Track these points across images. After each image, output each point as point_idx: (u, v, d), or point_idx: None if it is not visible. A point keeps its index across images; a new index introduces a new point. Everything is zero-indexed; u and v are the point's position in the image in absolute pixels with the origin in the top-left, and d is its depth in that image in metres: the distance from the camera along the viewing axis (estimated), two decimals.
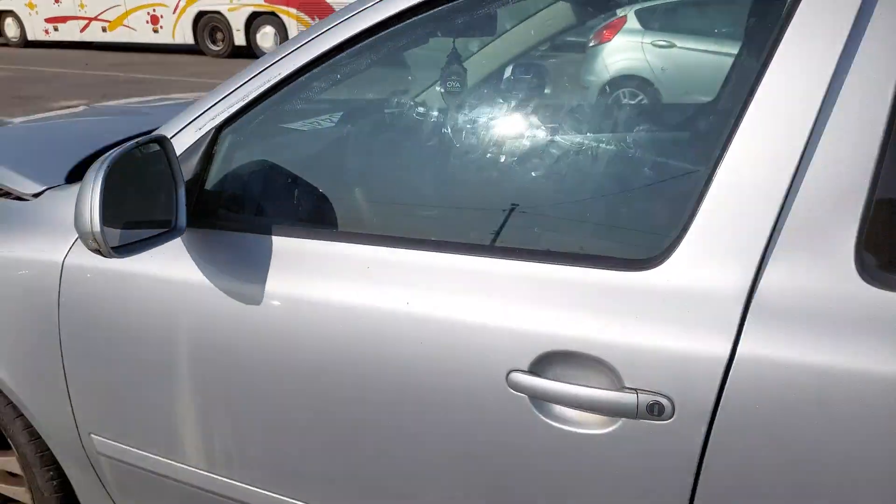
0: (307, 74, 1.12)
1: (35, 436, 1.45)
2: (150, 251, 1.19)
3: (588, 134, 1.17)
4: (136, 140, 1.07)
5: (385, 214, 1.10)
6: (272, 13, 12.87)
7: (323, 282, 1.05)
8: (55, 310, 1.28)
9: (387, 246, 1.03)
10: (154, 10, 13.79)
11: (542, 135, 1.21)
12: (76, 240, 1.27)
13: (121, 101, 2.56)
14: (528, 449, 0.92)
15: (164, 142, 1.10)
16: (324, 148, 1.18)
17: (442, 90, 1.59)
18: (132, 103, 2.46)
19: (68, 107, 2.22)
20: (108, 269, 1.22)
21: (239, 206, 1.18)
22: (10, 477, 1.60)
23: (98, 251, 1.01)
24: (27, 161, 1.59)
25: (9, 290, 1.33)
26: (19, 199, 1.47)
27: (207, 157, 1.17)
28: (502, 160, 1.18)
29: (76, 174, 1.54)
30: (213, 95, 1.19)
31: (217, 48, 13.65)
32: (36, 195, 1.42)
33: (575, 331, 0.88)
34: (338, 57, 1.10)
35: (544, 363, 0.90)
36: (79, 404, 1.32)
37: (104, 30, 14.42)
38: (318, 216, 1.14)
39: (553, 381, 0.89)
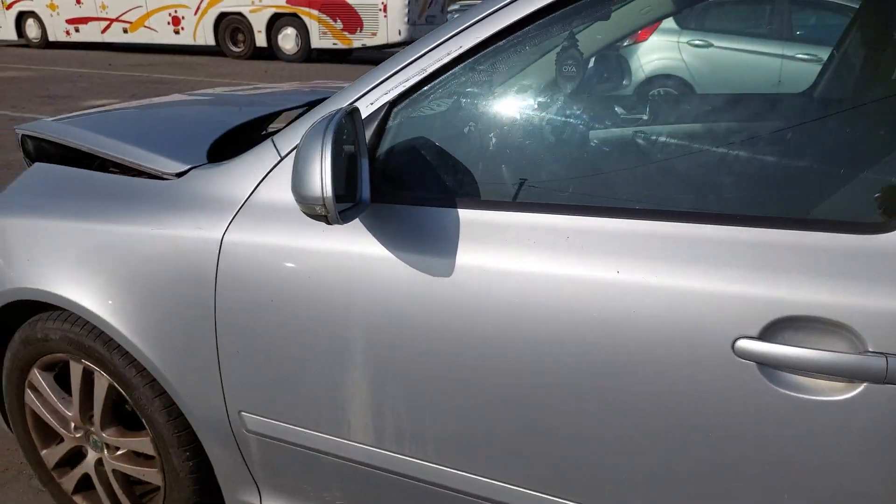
0: (491, 48, 1.11)
1: (174, 415, 1.45)
2: (313, 225, 1.19)
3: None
4: (341, 109, 1.06)
5: (582, 184, 1.08)
6: (294, 14, 12.92)
7: (514, 252, 1.04)
8: (211, 286, 1.27)
9: (588, 215, 1.01)
10: (175, 12, 13.85)
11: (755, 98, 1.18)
12: (235, 215, 1.26)
13: (207, 90, 2.55)
14: (756, 417, 0.90)
15: (354, 113, 1.09)
16: (497, 122, 1.16)
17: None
18: (223, 92, 2.46)
19: (101, 105, 2.21)
20: (272, 244, 1.21)
21: (416, 181, 1.17)
22: (142, 458, 1.59)
23: (320, 217, 1.01)
24: (154, 142, 1.59)
25: (159, 267, 1.32)
26: (154, 178, 1.46)
27: (379, 132, 1.17)
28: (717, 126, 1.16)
29: (214, 155, 1.53)
30: (384, 70, 1.18)
31: (238, 49, 13.70)
32: (179, 174, 1.41)
33: (812, 295, 0.87)
34: (526, 29, 1.09)
35: (776, 329, 0.89)
36: (231, 382, 1.32)
37: (125, 31, 14.50)
38: (499, 188, 1.13)
39: (788, 347, 0.87)
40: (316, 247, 1.18)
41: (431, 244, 1.10)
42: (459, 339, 1.07)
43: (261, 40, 13.30)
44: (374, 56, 14.56)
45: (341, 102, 1.21)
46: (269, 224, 1.23)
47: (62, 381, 1.65)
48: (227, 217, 1.27)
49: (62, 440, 1.71)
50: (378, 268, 1.13)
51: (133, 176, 1.56)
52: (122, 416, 1.62)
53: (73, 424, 1.65)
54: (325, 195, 0.97)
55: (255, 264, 1.23)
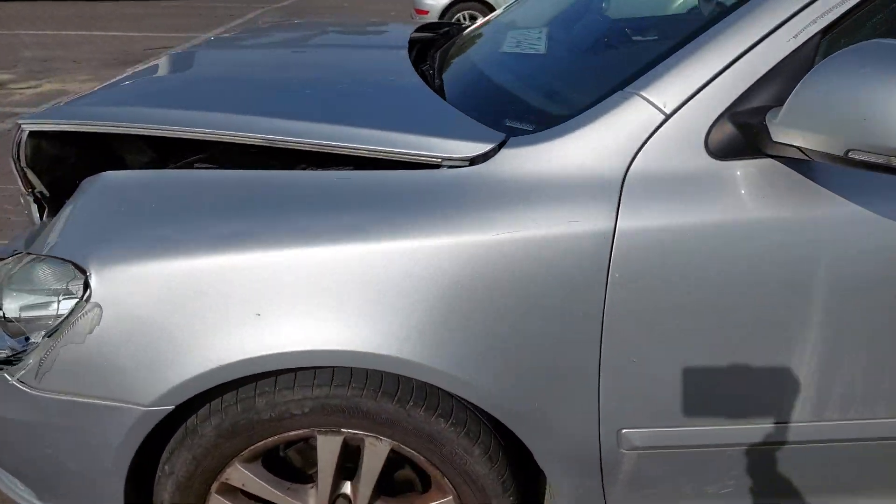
0: None
1: (495, 459, 1.16)
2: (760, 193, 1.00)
3: None
4: None
5: None
6: None
7: None
8: (601, 290, 1.01)
9: None
10: None
11: None
12: (620, 197, 1.00)
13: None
14: None
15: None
16: None
17: None
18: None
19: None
20: (686, 224, 1.00)
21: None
22: None
23: None
24: (359, 116, 1.18)
25: (501, 280, 1.01)
26: (421, 167, 1.09)
27: (805, 70, 0.99)
28: None
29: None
30: None
31: None
32: (477, 159, 1.06)
33: None
34: None
35: None
36: (612, 398, 1.08)
37: None
38: None
39: None
40: (751, 217, 1.00)
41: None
42: None
43: None
44: None
45: (741, 40, 0.99)
46: (672, 201, 1.00)
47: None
48: (608, 201, 1.00)
49: None
50: (847, 231, 1.00)
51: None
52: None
53: None
54: None
55: (665, 252, 1.00)
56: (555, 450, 1.13)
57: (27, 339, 1.08)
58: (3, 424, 1.15)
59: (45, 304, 1.07)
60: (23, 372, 1.09)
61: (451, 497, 1.20)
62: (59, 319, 1.06)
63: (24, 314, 1.09)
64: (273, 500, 1.20)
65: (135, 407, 1.05)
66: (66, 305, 1.05)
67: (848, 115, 0.84)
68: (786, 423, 1.11)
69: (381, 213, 1.03)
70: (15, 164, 1.29)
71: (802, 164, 0.99)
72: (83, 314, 1.03)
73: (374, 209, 1.03)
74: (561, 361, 1.05)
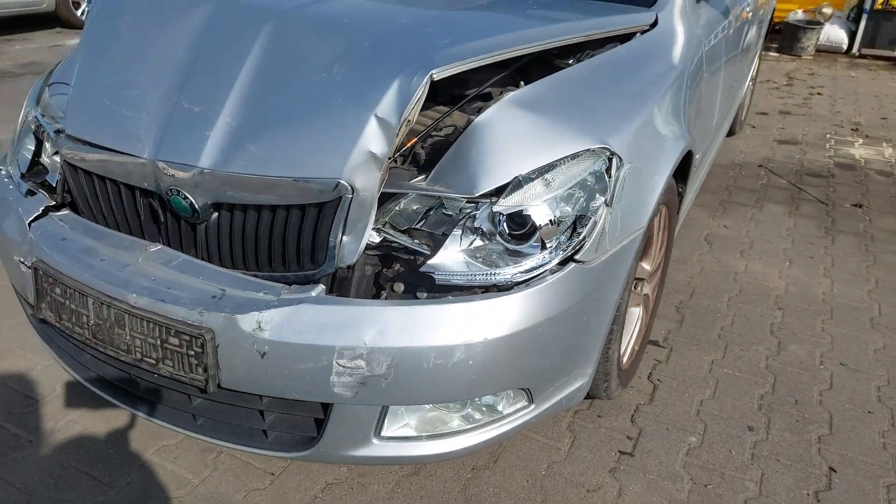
0: None
1: None
2: None
3: None
4: None
5: None
6: None
7: None
8: None
9: None
10: None
11: None
12: None
13: None
14: None
15: None
16: None
17: None
18: None
19: None
20: None
21: None
22: None
23: None
24: None
25: None
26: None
27: None
28: None
29: None
30: None
31: None
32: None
33: None
34: None
35: None
36: None
37: None
38: None
39: None
40: None
41: None
42: None
43: None
44: None
45: None
46: None
47: None
48: None
49: None
50: None
51: None
52: None
53: None
54: None
55: None
56: None
57: (543, 245, 1.31)
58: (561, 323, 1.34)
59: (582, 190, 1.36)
60: (582, 251, 1.33)
61: None
62: (608, 191, 1.36)
63: (567, 209, 1.34)
64: None
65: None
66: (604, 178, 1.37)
67: None
68: None
69: None
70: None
71: None
72: (619, 178, 1.38)
73: None
74: None
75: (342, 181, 1.24)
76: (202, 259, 1.38)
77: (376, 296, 1.30)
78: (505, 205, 1.30)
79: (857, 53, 7.11)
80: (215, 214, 1.35)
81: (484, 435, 1.40)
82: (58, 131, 1.56)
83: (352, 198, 1.25)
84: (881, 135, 4.55)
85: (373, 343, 1.20)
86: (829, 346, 2.23)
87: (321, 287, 1.26)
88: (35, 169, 1.71)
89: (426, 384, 1.25)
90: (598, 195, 1.36)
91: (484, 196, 1.31)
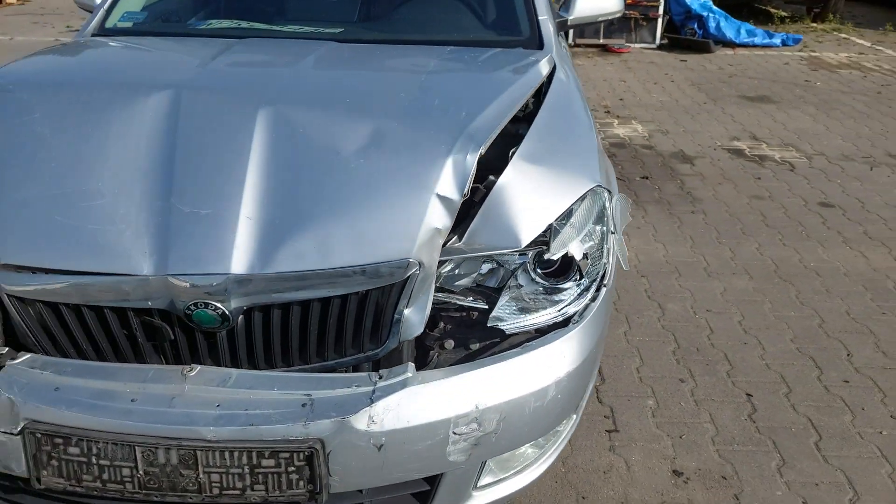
0: None
1: None
2: None
3: None
4: None
5: None
6: None
7: None
8: None
9: None
10: None
11: None
12: None
13: None
14: None
15: None
16: None
17: None
18: None
19: None
20: None
21: None
22: None
23: None
24: None
25: None
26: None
27: None
28: None
29: None
30: None
31: None
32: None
33: None
34: None
35: None
36: None
37: None
38: None
39: None
40: None
41: None
42: None
43: None
44: None
45: None
46: None
47: None
48: None
49: None
50: None
51: None
52: None
53: None
54: None
55: None
56: None
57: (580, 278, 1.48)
58: None
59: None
60: (607, 276, 1.52)
61: None
62: (611, 221, 1.57)
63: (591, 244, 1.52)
64: None
65: None
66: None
67: None
68: None
69: None
70: None
71: None
72: (614, 208, 1.59)
73: None
74: None
75: (412, 259, 1.28)
76: (227, 366, 1.30)
77: (425, 357, 1.37)
78: (554, 251, 1.46)
79: (573, 44, 8.38)
80: (241, 318, 1.29)
81: (552, 456, 1.55)
82: None
83: (420, 274, 1.30)
84: (627, 114, 5.53)
85: (483, 404, 1.27)
86: (692, 298, 2.78)
87: (411, 365, 1.28)
88: None
89: (526, 427, 1.36)
90: (605, 227, 1.58)
91: (527, 246, 1.44)
